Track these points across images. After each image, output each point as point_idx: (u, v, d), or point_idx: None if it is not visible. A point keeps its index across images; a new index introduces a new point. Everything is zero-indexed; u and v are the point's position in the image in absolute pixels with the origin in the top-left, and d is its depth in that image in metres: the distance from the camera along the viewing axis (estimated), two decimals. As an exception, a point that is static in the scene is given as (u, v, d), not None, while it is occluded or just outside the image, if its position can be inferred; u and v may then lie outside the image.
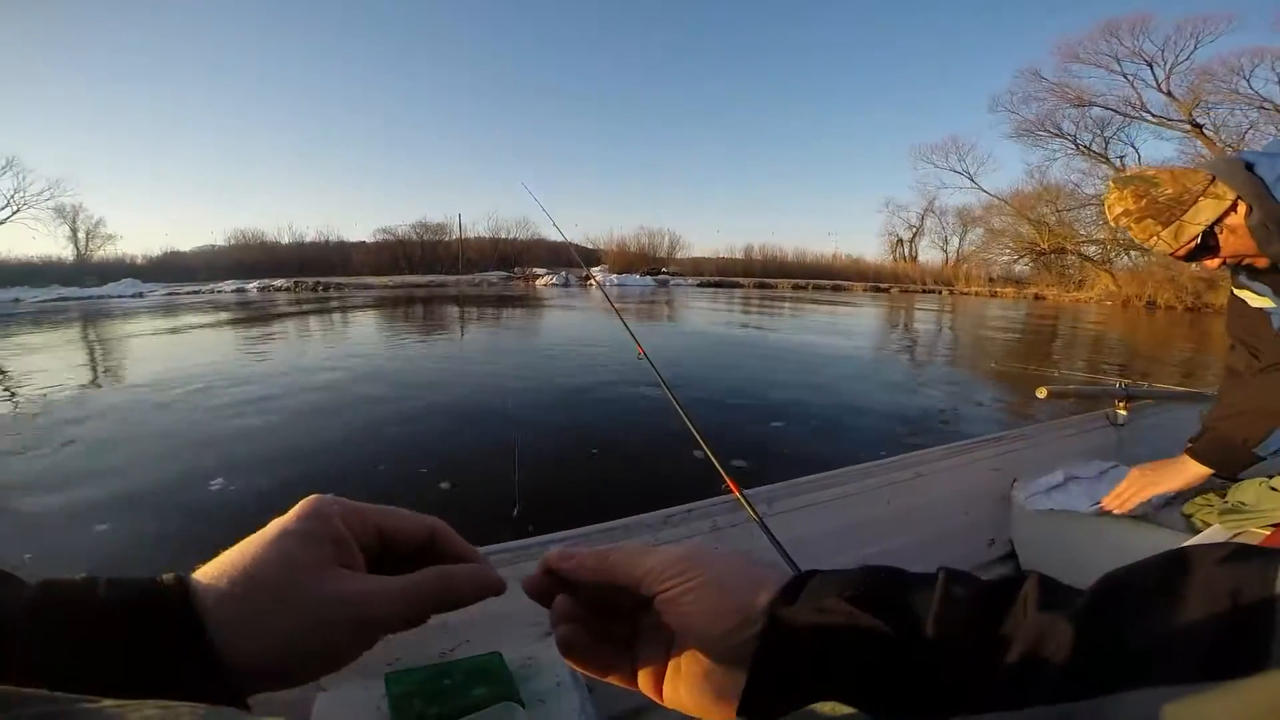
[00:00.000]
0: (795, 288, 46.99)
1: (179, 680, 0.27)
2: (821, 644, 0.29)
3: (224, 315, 18.69)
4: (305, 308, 21.60)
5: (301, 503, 0.33)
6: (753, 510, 1.40)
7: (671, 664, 0.35)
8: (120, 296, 35.90)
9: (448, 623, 1.16)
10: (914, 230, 59.18)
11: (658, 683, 0.35)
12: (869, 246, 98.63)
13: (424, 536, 0.36)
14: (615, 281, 44.62)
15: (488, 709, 0.92)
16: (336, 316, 17.72)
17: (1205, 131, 30.99)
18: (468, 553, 0.37)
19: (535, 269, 49.17)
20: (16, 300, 33.34)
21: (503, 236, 58.05)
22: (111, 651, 0.26)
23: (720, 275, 54.77)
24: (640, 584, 0.34)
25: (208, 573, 0.30)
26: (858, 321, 18.11)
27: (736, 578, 0.33)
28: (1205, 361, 11.21)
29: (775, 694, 0.30)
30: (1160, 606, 0.23)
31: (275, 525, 0.32)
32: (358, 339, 12.62)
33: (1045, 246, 40.86)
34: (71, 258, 51.82)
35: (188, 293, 37.16)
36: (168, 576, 0.29)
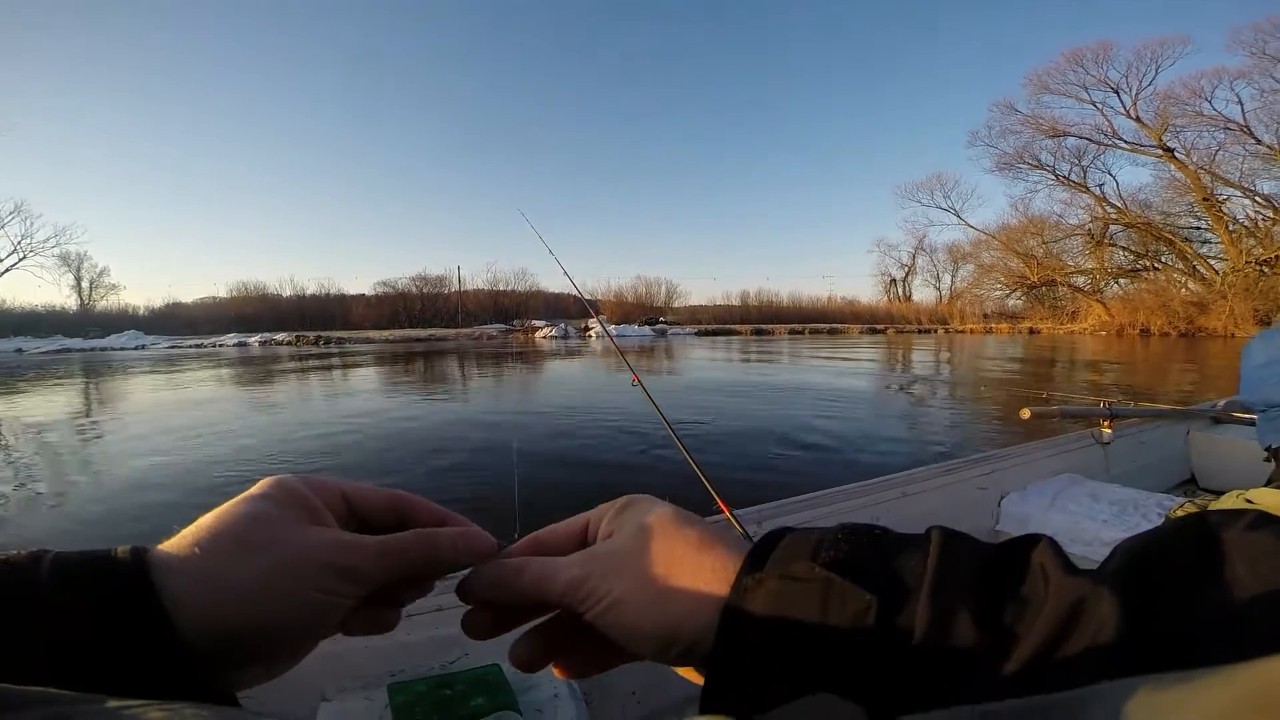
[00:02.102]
0: (792, 333, 47.21)
1: (131, 660, 0.24)
2: (792, 623, 0.25)
3: (227, 371, 18.77)
4: (309, 363, 21.70)
5: (265, 479, 0.32)
6: (742, 530, 1.43)
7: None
8: (123, 349, 36.20)
9: (447, 635, 1.22)
10: (906, 269, 60.40)
11: (594, 670, 0.35)
12: (863, 287, 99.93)
13: (391, 504, 0.35)
14: (614, 333, 44.74)
15: (487, 719, 0.96)
16: (338, 373, 17.81)
17: (1177, 155, 32.02)
18: (445, 517, 0.36)
19: (534, 321, 49.57)
20: (19, 350, 33.76)
21: (501, 289, 58.94)
22: (53, 630, 0.24)
23: (717, 323, 55.29)
24: (562, 602, 0.31)
25: (169, 543, 0.28)
26: (857, 374, 18.15)
27: (678, 570, 0.29)
28: (1204, 381, 11.29)
29: (741, 691, 0.25)
30: (1207, 573, 0.21)
31: (238, 497, 0.31)
32: (365, 396, 12.67)
33: (1035, 279, 41.43)
34: (75, 307, 52.45)
35: (190, 346, 37.38)
36: (123, 549, 0.27)
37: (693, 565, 0.29)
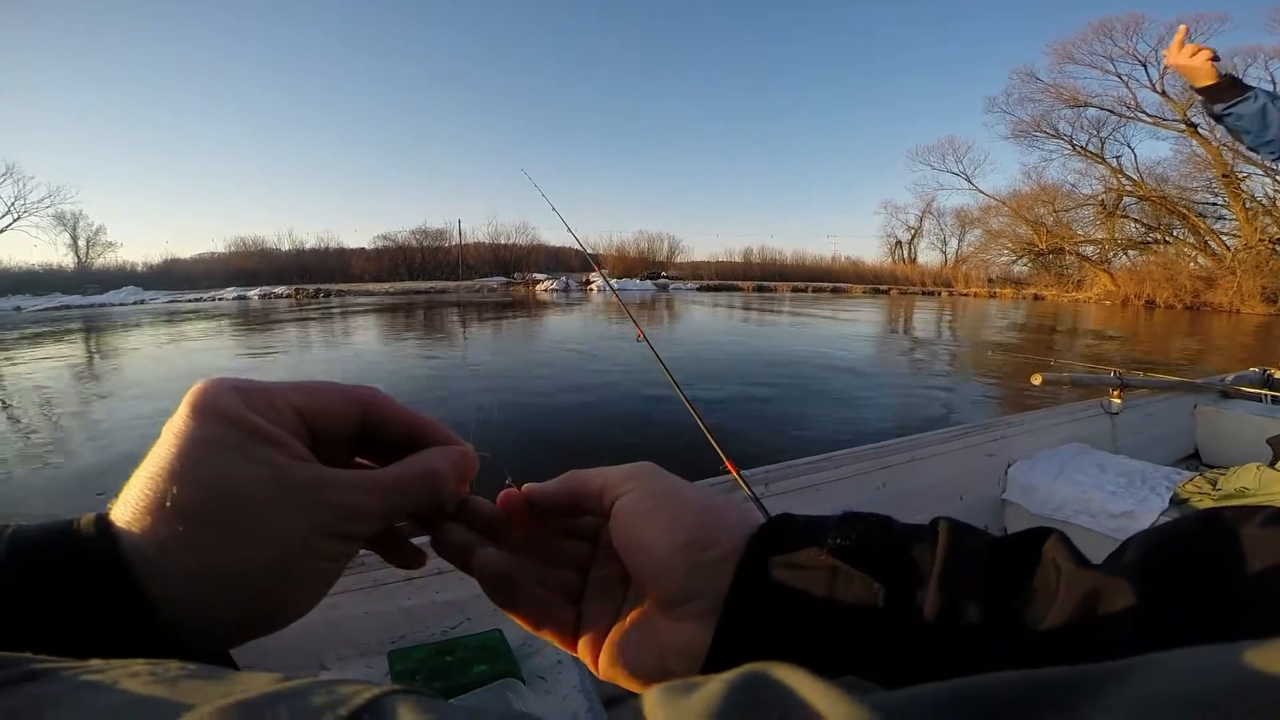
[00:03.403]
0: (794, 290, 47.09)
1: (103, 637, 0.22)
2: (797, 609, 0.24)
3: (226, 322, 18.75)
4: (309, 313, 21.63)
5: (189, 398, 0.25)
6: (750, 490, 1.42)
7: (617, 626, 0.30)
8: (122, 304, 36.15)
9: (448, 600, 1.20)
10: (913, 232, 59.52)
11: (598, 646, 0.30)
12: (868, 249, 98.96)
13: (357, 414, 0.29)
14: (615, 286, 44.31)
15: (489, 685, 0.95)
16: (338, 324, 17.76)
17: (1200, 131, 31.12)
18: (425, 426, 0.30)
19: (535, 275, 49.18)
20: (18, 308, 33.66)
21: (502, 242, 58.20)
22: (9, 613, 0.21)
23: (719, 279, 54.84)
24: (603, 492, 0.30)
25: (127, 517, 0.23)
26: (857, 329, 18.12)
27: (699, 499, 0.29)
28: (1206, 356, 11.26)
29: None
30: (1223, 568, 0.21)
31: (177, 438, 0.24)
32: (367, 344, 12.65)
33: (1043, 247, 40.98)
34: (72, 265, 51.99)
35: (189, 300, 37.39)
36: (87, 519, 0.24)
37: (710, 503, 0.29)
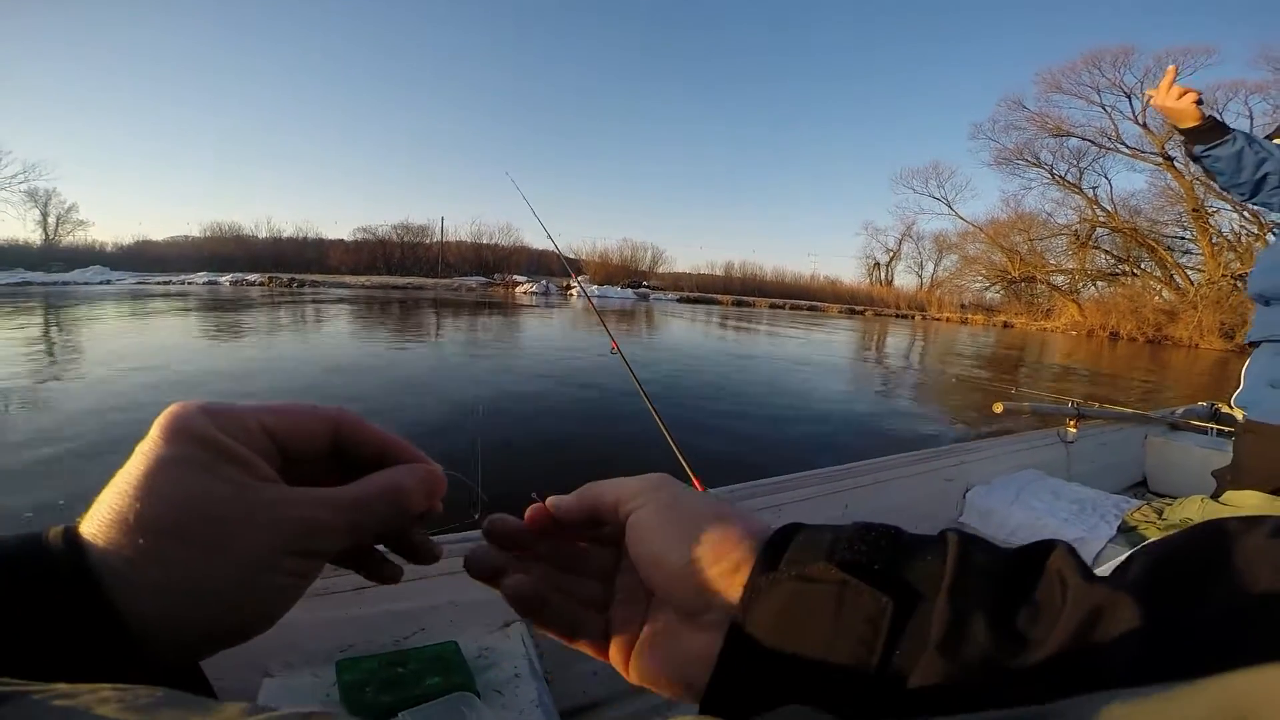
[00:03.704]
0: (772, 306, 47.42)
1: (69, 651, 0.22)
2: (806, 625, 0.24)
3: (192, 305, 18.30)
4: (280, 300, 21.22)
5: (160, 421, 0.26)
6: None
7: (643, 633, 0.31)
8: (87, 284, 34.95)
9: (402, 609, 1.16)
10: (891, 254, 60.42)
11: (627, 652, 0.31)
12: (847, 268, 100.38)
13: (327, 433, 0.30)
14: (596, 293, 44.65)
15: (442, 699, 0.91)
16: (309, 312, 17.45)
17: (1176, 164, 32.06)
18: (393, 445, 0.31)
19: (516, 276, 48.85)
20: (-24, 282, 32.36)
21: (485, 242, 57.70)
22: None
23: (700, 291, 55.01)
24: (618, 504, 0.31)
25: (96, 532, 0.24)
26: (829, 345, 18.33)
27: (710, 510, 0.30)
28: (1159, 394, 11.64)
29: (747, 685, 0.25)
30: (1232, 581, 0.21)
31: (146, 458, 0.25)
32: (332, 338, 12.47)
33: (1016, 274, 41.95)
34: (39, 242, 50.24)
35: (157, 283, 36.25)
36: (55, 532, 0.24)
37: (721, 513, 0.30)
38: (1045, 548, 0.25)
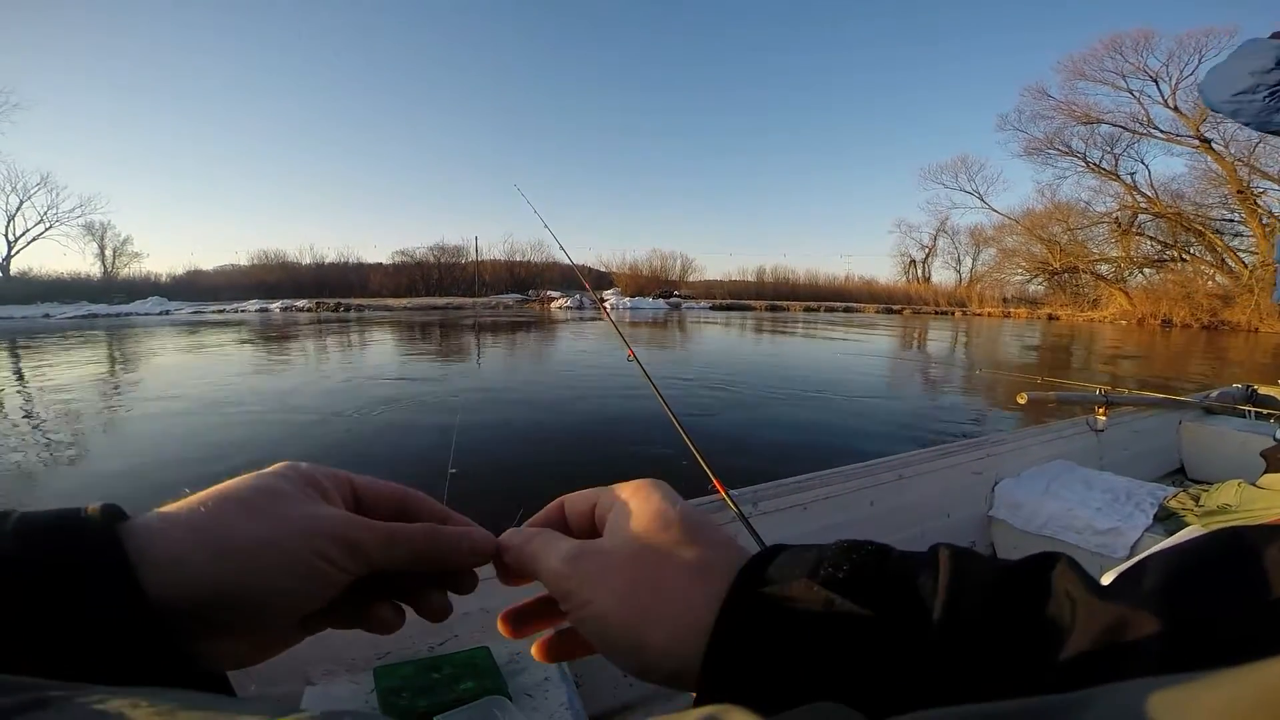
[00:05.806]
0: (807, 310, 46.77)
1: (99, 625, 0.23)
2: (789, 649, 0.23)
3: (246, 333, 19.13)
4: (326, 324, 21.93)
5: (276, 464, 0.32)
6: (737, 509, 1.40)
7: None
8: (148, 314, 36.73)
9: None
10: (926, 251, 59.10)
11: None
12: (881, 267, 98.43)
13: (396, 497, 0.35)
14: (628, 304, 44.87)
15: (475, 702, 0.93)
16: (355, 336, 18.03)
17: (1214, 146, 30.70)
18: (449, 516, 0.36)
19: (550, 292, 49.35)
20: (47, 315, 34.43)
21: (518, 259, 58.55)
22: (10, 595, 0.22)
23: (732, 298, 54.67)
24: (549, 588, 0.31)
25: (173, 504, 0.28)
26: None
27: (665, 599, 0.26)
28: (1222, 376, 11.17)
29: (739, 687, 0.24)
30: (1251, 592, 0.20)
31: (249, 474, 0.30)
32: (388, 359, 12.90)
33: (1058, 266, 40.58)
34: (99, 275, 52.68)
35: (213, 311, 37.87)
36: (94, 506, 0.26)
37: (682, 594, 0.27)
38: (1047, 561, 0.24)
